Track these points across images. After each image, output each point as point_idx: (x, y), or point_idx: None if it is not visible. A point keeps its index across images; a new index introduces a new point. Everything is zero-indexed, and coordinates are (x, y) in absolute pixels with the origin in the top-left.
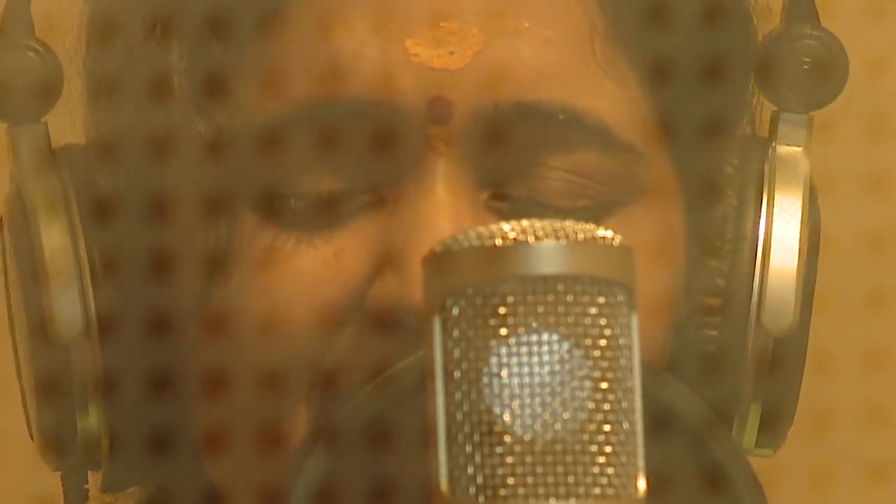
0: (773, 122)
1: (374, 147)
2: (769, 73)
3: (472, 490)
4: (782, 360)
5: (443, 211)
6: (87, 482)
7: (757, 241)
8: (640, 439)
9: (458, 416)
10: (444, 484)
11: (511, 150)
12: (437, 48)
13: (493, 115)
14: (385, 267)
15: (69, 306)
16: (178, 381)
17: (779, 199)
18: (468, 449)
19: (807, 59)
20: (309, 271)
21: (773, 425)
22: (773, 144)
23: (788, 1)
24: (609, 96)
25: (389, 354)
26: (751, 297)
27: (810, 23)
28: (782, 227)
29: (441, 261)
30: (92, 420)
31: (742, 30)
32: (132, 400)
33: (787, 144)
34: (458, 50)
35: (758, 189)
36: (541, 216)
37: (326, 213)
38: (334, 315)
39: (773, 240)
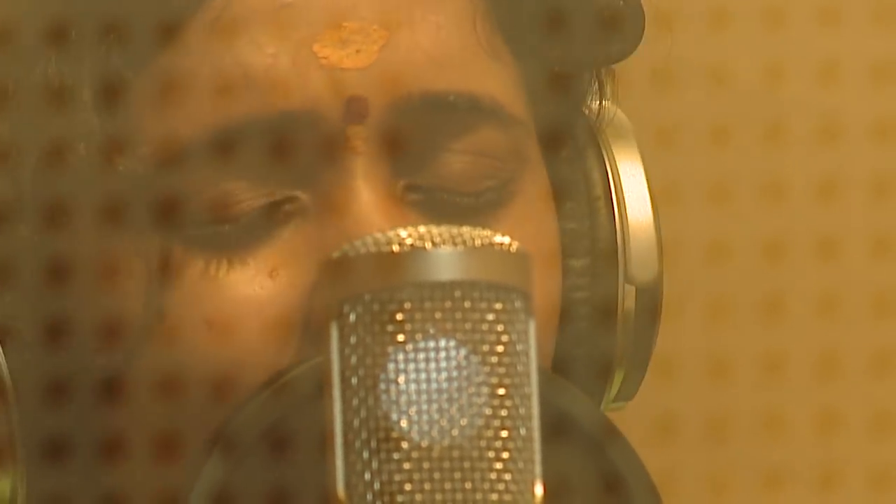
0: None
1: (296, 155)
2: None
3: (369, 496)
4: (644, 312)
5: (371, 210)
6: None
7: (610, 197)
8: (537, 445)
9: (356, 423)
10: (341, 490)
11: (420, 140)
12: (344, 48)
13: (405, 107)
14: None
15: None
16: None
17: (618, 156)
18: (365, 455)
19: (604, 13)
20: (248, 297)
21: (633, 378)
22: (603, 101)
23: None
24: (495, 74)
25: None
26: (616, 252)
27: None
28: (629, 181)
29: (338, 267)
30: None
31: None
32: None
33: (604, 99)
34: (364, 47)
35: (596, 150)
36: (451, 202)
37: (252, 230)
38: (281, 335)
39: (624, 195)
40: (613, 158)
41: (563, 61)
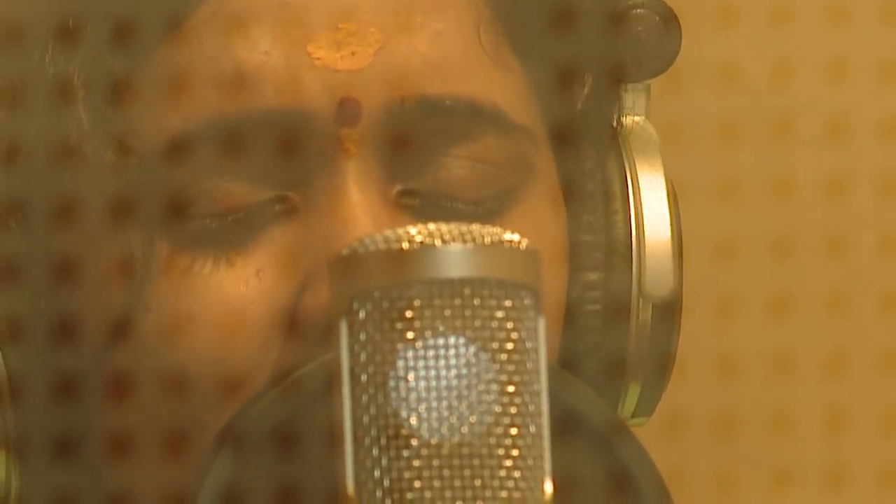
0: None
1: (288, 155)
2: (613, 44)
3: (378, 493)
4: (662, 327)
5: (359, 213)
6: None
7: (629, 209)
8: (546, 443)
9: (365, 420)
10: (350, 487)
11: (417, 144)
12: (339, 50)
13: (399, 111)
14: (311, 278)
15: None
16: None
17: (640, 172)
18: (375, 452)
19: (641, 29)
20: (233, 295)
21: (650, 394)
22: (622, 114)
23: None
24: (499, 82)
25: None
26: (631, 266)
27: None
28: (649, 196)
29: (347, 264)
30: None
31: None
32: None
33: (633, 114)
34: (359, 50)
35: (618, 163)
36: (449, 209)
37: (241, 229)
38: (266, 335)
39: (643, 208)
40: (635, 172)
41: (578, 69)
